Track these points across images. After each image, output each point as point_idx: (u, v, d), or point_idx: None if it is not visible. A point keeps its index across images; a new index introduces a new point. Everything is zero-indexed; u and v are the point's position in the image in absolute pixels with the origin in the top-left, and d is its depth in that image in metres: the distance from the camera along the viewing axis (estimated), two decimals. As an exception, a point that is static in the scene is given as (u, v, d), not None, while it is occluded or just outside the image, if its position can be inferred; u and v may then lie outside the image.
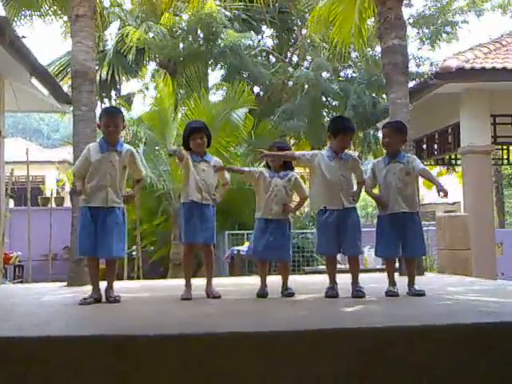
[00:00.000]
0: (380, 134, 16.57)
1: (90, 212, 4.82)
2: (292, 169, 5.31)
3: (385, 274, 5.16)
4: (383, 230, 5.04)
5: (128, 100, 16.85)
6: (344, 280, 4.95)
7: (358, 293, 4.81)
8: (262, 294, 5.05)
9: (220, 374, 2.86)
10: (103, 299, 4.83)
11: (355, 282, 4.91)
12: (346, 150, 5.13)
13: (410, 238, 5.00)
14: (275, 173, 5.16)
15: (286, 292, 5.08)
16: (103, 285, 4.89)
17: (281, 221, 5.11)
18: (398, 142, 5.09)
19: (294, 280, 5.40)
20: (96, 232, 4.79)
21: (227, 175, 5.44)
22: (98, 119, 5.12)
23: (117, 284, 5.07)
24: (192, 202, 5.09)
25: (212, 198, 5.15)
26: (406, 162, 5.05)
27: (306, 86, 15.56)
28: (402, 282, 5.06)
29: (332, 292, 4.90)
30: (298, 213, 13.92)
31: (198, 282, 5.27)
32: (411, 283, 4.99)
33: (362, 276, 5.07)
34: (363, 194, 5.30)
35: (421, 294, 4.85)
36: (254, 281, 5.78)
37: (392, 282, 5.00)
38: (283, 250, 5.13)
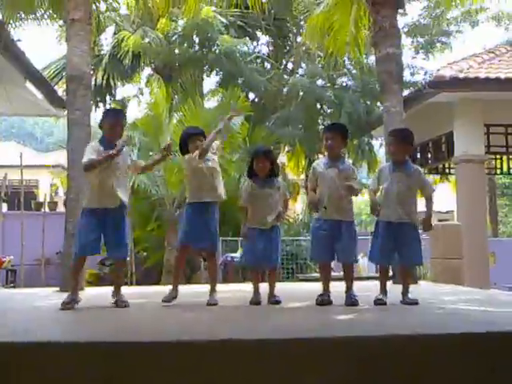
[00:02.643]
0: (374, 142, 16.64)
1: (94, 213, 4.81)
2: (276, 175, 5.25)
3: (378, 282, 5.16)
4: (379, 237, 5.02)
5: (123, 105, 16.80)
6: (339, 288, 4.94)
7: (351, 301, 4.79)
8: (256, 301, 5.03)
9: (213, 381, 2.85)
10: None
11: (349, 290, 4.90)
12: (345, 160, 5.10)
13: (407, 246, 4.96)
14: (262, 181, 5.12)
15: (273, 299, 5.05)
16: (100, 290, 4.87)
17: (273, 228, 5.10)
18: (402, 151, 5.04)
19: (288, 287, 5.40)
20: (104, 232, 4.82)
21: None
22: (97, 120, 5.14)
23: (110, 290, 5.05)
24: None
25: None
26: (411, 175, 5.00)
27: (301, 94, 15.59)
28: (395, 290, 5.06)
29: (323, 299, 4.88)
30: (291, 220, 13.94)
31: (192, 289, 5.26)
32: (405, 292, 4.99)
33: (355, 284, 5.06)
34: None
35: (414, 303, 4.85)
36: (247, 287, 5.76)
37: (383, 291, 4.98)
38: (271, 257, 5.10)
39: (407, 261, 5.11)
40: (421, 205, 5.10)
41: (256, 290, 5.13)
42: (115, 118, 5.02)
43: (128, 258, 10.98)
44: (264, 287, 5.19)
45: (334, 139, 4.99)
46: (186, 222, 5.17)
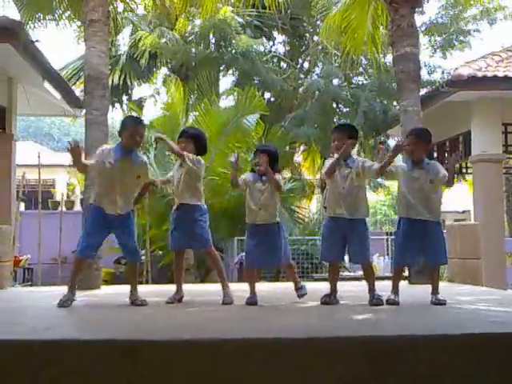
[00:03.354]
0: (390, 142, 16.55)
1: (100, 211, 4.89)
2: (277, 172, 5.19)
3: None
4: (401, 237, 5.01)
5: (139, 105, 16.90)
6: (354, 288, 4.93)
7: (375, 301, 4.77)
8: (251, 302, 4.97)
9: (228, 379, 2.86)
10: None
11: (371, 289, 4.89)
12: (354, 159, 5.04)
13: (432, 245, 4.95)
14: (259, 177, 5.13)
15: (299, 293, 5.10)
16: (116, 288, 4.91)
17: (269, 226, 5.07)
18: (421, 150, 5.02)
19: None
20: (113, 233, 4.96)
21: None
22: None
23: (126, 288, 5.09)
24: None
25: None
26: (430, 169, 5.00)
27: (317, 93, 15.57)
28: (410, 291, 5.04)
29: (326, 299, 4.90)
30: (306, 219, 13.93)
31: (207, 288, 5.28)
32: (434, 291, 4.96)
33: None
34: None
35: (441, 303, 4.81)
36: (262, 287, 5.78)
37: (395, 290, 4.97)
38: (274, 255, 5.09)
39: (432, 261, 5.08)
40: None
41: (252, 291, 5.07)
42: (135, 126, 4.99)
43: (143, 257, 11.08)
44: (278, 286, 5.19)
45: (342, 140, 4.97)
46: (172, 228, 5.26)
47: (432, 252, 4.97)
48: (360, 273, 8.21)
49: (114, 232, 4.95)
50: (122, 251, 5.15)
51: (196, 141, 5.22)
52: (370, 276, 5.00)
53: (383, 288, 5.05)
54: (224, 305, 4.91)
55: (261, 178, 5.11)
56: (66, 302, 4.72)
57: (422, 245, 4.95)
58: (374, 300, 4.78)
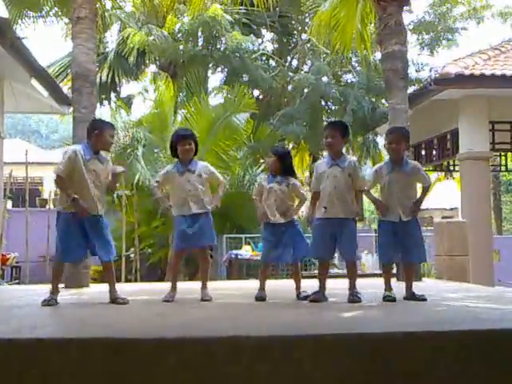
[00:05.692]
0: (379, 139, 16.61)
1: (72, 217, 4.83)
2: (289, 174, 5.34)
3: (382, 279, 5.17)
4: (383, 236, 5.06)
5: (128, 102, 16.82)
6: (342, 285, 4.95)
7: (353, 298, 4.81)
8: (261, 296, 5.07)
9: (218, 377, 2.86)
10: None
11: (352, 287, 4.93)
12: (346, 157, 5.08)
13: (411, 244, 5.01)
14: (274, 178, 5.26)
15: (301, 296, 5.17)
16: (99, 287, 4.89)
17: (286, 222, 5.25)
18: (403, 148, 5.06)
19: (292, 284, 5.40)
20: (86, 236, 4.86)
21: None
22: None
23: (116, 286, 5.07)
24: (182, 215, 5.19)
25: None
26: (410, 172, 5.03)
27: (306, 91, 15.58)
28: (399, 287, 5.07)
29: (315, 296, 4.94)
30: (295, 217, 13.96)
31: (196, 286, 5.28)
32: (408, 288, 5.02)
33: (359, 281, 5.08)
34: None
35: (422, 299, 4.87)
36: (252, 284, 5.78)
37: (389, 288, 5.01)
38: (286, 251, 5.23)
39: (410, 258, 5.13)
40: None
41: (262, 287, 5.16)
42: (106, 127, 5.00)
43: (133, 255, 11.04)
44: (273, 284, 5.20)
45: (335, 137, 4.98)
46: (182, 228, 5.28)
47: (410, 250, 5.04)
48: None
49: (87, 235, 4.86)
50: (93, 251, 5.01)
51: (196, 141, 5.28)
52: (351, 274, 5.04)
53: (372, 285, 5.08)
54: (203, 301, 4.93)
55: (277, 178, 5.26)
56: (50, 301, 4.72)
57: (400, 243, 5.02)
58: (351, 297, 4.82)
